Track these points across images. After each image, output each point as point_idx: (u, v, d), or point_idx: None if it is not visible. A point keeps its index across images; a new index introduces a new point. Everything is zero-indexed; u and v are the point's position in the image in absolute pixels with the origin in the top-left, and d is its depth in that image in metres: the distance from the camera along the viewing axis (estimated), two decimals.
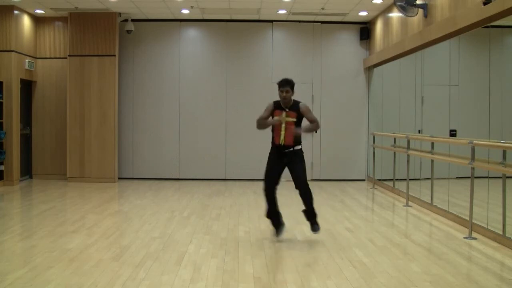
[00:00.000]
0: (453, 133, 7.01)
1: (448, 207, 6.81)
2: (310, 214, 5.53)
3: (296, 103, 5.46)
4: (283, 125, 5.35)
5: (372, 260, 4.75)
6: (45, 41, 10.65)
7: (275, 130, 5.43)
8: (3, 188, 9.29)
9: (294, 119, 5.39)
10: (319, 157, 10.83)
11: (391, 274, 4.33)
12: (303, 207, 5.53)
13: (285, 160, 5.42)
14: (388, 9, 9.40)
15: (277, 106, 5.46)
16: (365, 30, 10.67)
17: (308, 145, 10.86)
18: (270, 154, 5.56)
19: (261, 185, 5.69)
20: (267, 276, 4.25)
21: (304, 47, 10.86)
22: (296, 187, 5.44)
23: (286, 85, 5.39)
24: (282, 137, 5.35)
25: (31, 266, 4.47)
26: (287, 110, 5.41)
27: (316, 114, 10.79)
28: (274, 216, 5.59)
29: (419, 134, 8.03)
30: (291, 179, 5.48)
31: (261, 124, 5.46)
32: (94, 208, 7.40)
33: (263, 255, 4.95)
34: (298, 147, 5.44)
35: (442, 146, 7.12)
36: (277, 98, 5.50)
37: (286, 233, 5.84)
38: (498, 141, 5.63)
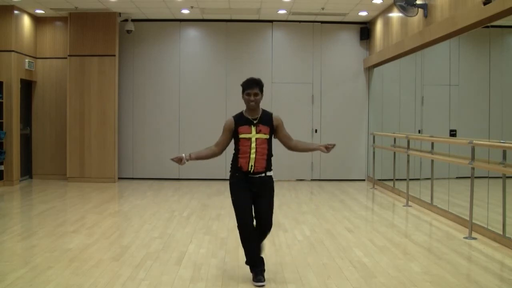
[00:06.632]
0: (453, 133, 7.01)
1: (448, 207, 6.81)
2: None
3: (268, 113, 4.17)
4: (253, 145, 4.02)
5: (372, 260, 4.75)
6: (45, 41, 10.64)
7: (242, 151, 4.06)
8: (3, 188, 9.29)
9: (267, 136, 4.09)
10: (319, 157, 10.82)
11: (391, 274, 4.33)
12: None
13: (254, 189, 4.09)
14: (388, 9, 9.40)
15: (240, 121, 4.08)
16: (365, 30, 10.66)
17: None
18: (233, 180, 4.15)
19: None
20: (267, 276, 4.24)
21: (304, 47, 10.86)
22: (257, 224, 4.21)
23: (254, 86, 4.05)
24: (252, 161, 4.03)
25: (31, 266, 4.47)
26: (255, 122, 4.08)
27: (316, 114, 11.05)
28: (257, 261, 4.17)
29: (419, 134, 8.03)
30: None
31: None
32: (94, 208, 7.40)
33: (263, 255, 4.94)
34: (270, 173, 4.16)
35: (442, 146, 7.11)
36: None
37: (286, 233, 5.85)
38: (498, 141, 5.63)
